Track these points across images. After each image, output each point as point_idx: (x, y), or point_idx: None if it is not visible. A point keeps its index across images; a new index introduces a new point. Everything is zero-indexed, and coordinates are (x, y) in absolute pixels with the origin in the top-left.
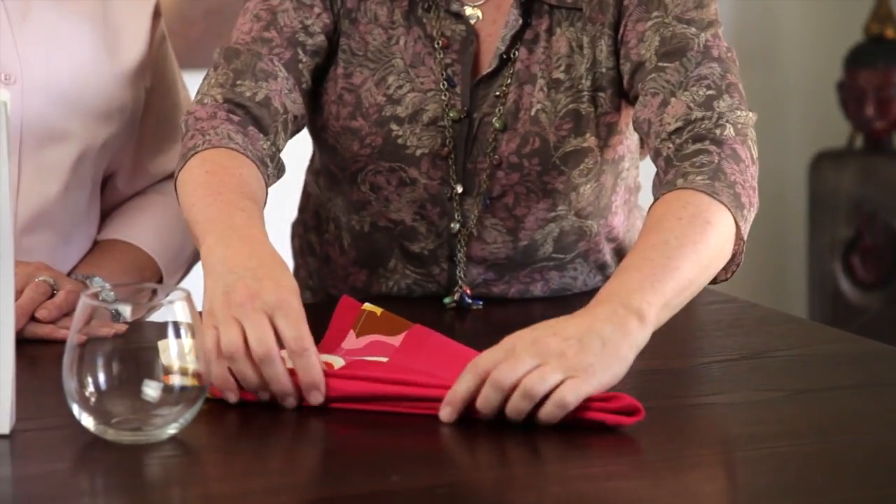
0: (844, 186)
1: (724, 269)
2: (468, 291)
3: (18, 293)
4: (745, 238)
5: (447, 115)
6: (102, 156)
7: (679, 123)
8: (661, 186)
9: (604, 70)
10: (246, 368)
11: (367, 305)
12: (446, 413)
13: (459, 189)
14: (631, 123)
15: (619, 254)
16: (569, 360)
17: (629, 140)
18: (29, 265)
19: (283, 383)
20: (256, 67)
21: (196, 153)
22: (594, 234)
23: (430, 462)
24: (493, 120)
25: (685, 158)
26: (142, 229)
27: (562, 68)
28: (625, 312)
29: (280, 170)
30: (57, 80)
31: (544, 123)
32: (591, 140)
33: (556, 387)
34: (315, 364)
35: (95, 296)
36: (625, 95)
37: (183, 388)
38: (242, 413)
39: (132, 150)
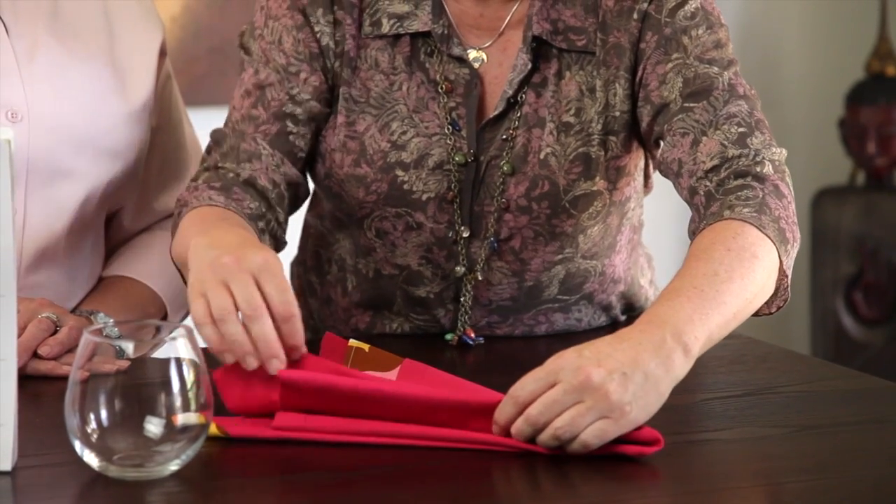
0: (846, 223)
1: (768, 303)
2: (471, 334)
3: (21, 330)
4: (789, 273)
5: (453, 158)
6: (108, 194)
7: (716, 161)
8: (705, 218)
9: (617, 114)
10: (236, 329)
11: (353, 342)
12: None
13: (466, 233)
14: (639, 165)
15: (624, 296)
16: (607, 400)
17: (636, 181)
18: (32, 302)
19: (271, 343)
20: (240, 149)
21: (179, 221)
22: (599, 274)
23: (444, 497)
24: (502, 163)
25: (729, 192)
26: (147, 266)
27: (571, 111)
28: (673, 345)
29: (280, 230)
30: (64, 118)
31: (554, 167)
32: (600, 183)
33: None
34: (300, 330)
35: (98, 332)
36: (639, 138)
37: (185, 425)
38: (245, 449)
39: (138, 187)
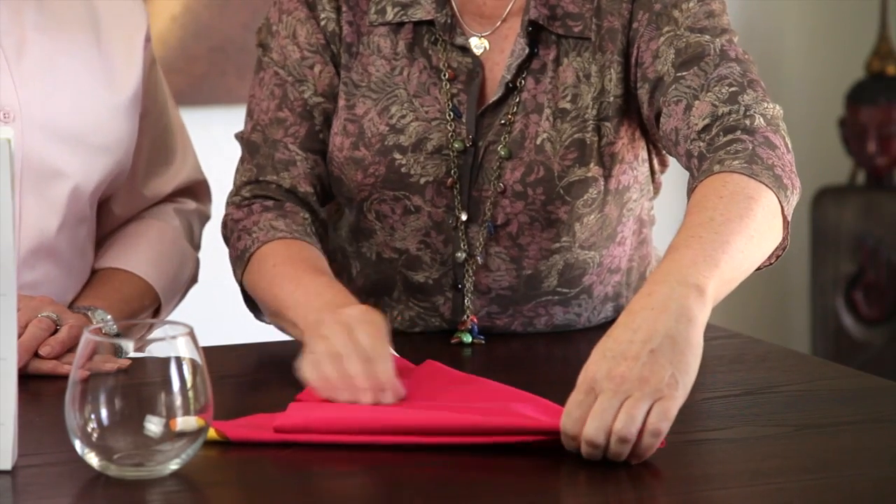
0: (846, 222)
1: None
2: (475, 320)
3: (22, 329)
4: (790, 219)
5: (452, 144)
6: (99, 188)
7: (707, 121)
8: (697, 178)
9: (611, 99)
10: (330, 370)
11: None
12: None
13: (464, 217)
14: (639, 155)
15: (631, 287)
16: (650, 383)
17: (636, 171)
18: (33, 300)
19: (359, 380)
20: (275, 159)
21: (251, 254)
22: (597, 266)
23: (444, 497)
24: (499, 148)
25: (719, 149)
26: (139, 257)
27: (568, 98)
28: (683, 290)
29: (324, 230)
30: (55, 115)
31: (549, 153)
32: (594, 170)
33: (647, 417)
34: (387, 370)
35: (98, 332)
36: (640, 125)
37: (183, 430)
38: (244, 449)
39: (127, 175)
